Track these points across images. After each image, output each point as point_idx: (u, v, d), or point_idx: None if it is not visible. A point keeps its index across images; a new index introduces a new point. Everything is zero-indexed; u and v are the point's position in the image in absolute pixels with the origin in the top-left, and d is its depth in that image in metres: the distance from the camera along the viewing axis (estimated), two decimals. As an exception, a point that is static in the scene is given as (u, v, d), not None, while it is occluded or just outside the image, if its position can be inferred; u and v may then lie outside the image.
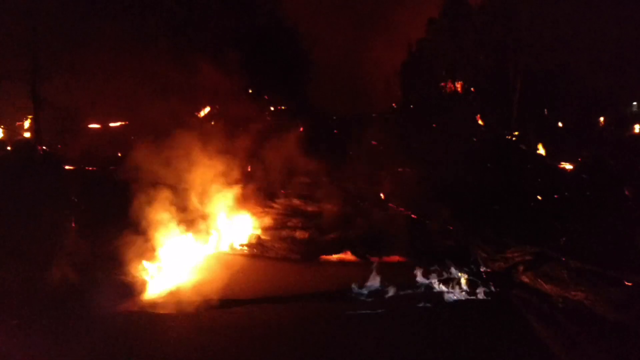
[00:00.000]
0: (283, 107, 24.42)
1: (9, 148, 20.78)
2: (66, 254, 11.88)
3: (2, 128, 26.66)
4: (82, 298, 10.62)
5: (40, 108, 21.84)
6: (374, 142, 21.03)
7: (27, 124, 27.59)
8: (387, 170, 18.54)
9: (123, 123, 24.70)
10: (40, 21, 21.60)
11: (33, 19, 21.47)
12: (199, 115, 23.87)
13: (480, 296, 11.87)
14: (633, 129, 24.54)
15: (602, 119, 25.58)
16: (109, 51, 23.25)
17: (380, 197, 17.67)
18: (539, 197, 17.60)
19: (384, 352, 8.65)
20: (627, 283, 11.33)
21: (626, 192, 16.69)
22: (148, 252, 12.78)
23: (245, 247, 15.06)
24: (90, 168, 18.47)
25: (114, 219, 13.23)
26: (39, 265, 11.15)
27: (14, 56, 23.59)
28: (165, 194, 13.81)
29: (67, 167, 18.16)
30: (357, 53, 25.22)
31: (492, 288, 12.37)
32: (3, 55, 24.01)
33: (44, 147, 19.82)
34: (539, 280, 12.28)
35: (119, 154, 21.24)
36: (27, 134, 26.94)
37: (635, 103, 25.27)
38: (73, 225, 13.55)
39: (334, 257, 14.65)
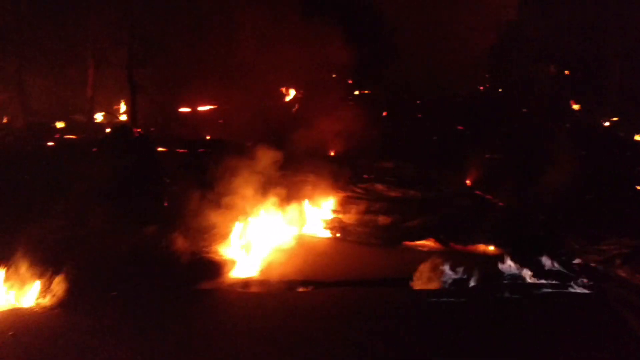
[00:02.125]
0: (366, 92, 24.32)
1: (107, 130, 22.05)
2: (159, 231, 12.49)
3: (102, 113, 28.44)
4: (174, 274, 11.09)
5: (136, 93, 23.08)
6: (460, 127, 20.52)
7: (123, 107, 29.22)
8: (474, 156, 18.03)
9: (211, 107, 25.57)
10: (136, 11, 22.73)
11: (130, 10, 22.64)
12: (284, 100, 24.29)
13: (572, 290, 11.32)
14: None
15: None
16: (197, 37, 24.08)
17: (466, 183, 17.25)
18: (638, 187, 16.56)
19: (464, 341, 8.45)
20: None
21: None
22: (236, 232, 13.18)
23: (329, 230, 15.20)
24: (180, 150, 19.25)
25: (203, 200, 13.73)
26: (132, 245, 11.67)
27: (111, 44, 25.05)
28: (254, 176, 14.17)
29: (159, 149, 19.02)
30: (443, 35, 24.56)
31: (585, 282, 11.77)
32: (102, 44, 25.54)
33: (139, 130, 20.86)
34: (638, 275, 11.58)
35: (208, 137, 22.06)
36: (123, 117, 28.56)
37: None
38: (166, 204, 14.23)
39: (417, 243, 14.50)
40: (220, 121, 24.14)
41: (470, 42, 24.80)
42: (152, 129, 23.12)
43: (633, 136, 22.19)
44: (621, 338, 8.92)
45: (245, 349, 8.02)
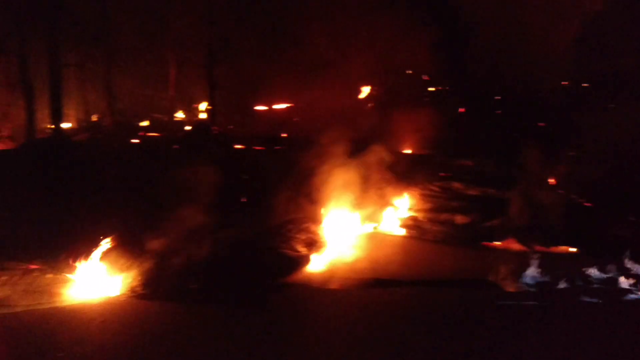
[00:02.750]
0: (443, 88, 23.83)
1: (188, 128, 22.92)
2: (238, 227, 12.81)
3: (182, 111, 29.52)
4: (251, 269, 11.33)
5: (215, 91, 23.78)
6: (542, 124, 19.71)
7: (202, 106, 30.18)
8: (557, 153, 17.25)
9: (287, 105, 25.91)
10: (216, 11, 23.41)
11: (210, 9, 23.34)
12: (359, 97, 24.22)
13: (666, 296, 10.63)
14: None
15: None
16: (275, 36, 24.47)
17: (550, 182, 16.54)
18: None
19: (546, 347, 8.08)
20: None
21: None
22: (312, 228, 13.31)
23: (404, 228, 15.06)
24: (257, 147, 19.64)
25: (279, 196, 13.94)
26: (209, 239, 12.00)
27: (192, 44, 25.92)
28: (332, 172, 14.26)
29: (236, 146, 19.50)
30: (524, 27, 23.62)
31: (680, 288, 11.01)
32: (183, 44, 26.50)
33: (217, 127, 21.50)
34: None
35: (283, 135, 22.38)
36: (202, 115, 29.51)
37: None
38: (243, 200, 14.57)
39: (496, 244, 14.09)
40: (295, 119, 24.42)
41: (553, 34, 23.72)
42: (230, 126, 23.74)
43: None
44: None
45: (322, 345, 8.07)
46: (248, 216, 13.58)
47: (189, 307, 9.73)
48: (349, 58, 21.76)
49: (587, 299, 10.22)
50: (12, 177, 13.93)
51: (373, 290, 11.01)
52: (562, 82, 24.79)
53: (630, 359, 7.80)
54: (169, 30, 26.58)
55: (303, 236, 12.98)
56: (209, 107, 26.06)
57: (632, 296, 10.64)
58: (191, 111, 30.68)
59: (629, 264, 11.97)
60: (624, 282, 11.20)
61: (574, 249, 13.52)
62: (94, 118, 30.90)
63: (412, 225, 15.04)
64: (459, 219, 14.65)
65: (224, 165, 15.22)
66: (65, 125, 24.43)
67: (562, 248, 13.62)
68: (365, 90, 24.36)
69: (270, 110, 26.83)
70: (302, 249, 12.65)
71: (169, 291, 10.31)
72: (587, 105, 20.98)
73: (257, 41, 25.25)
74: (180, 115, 30.27)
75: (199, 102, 30.68)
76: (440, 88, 22.97)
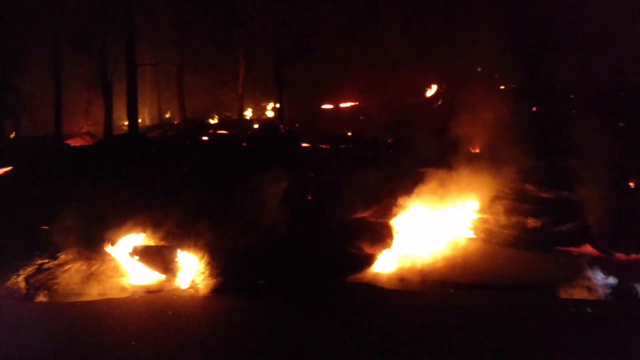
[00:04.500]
0: (514, 86, 23.04)
1: (256, 126, 23.33)
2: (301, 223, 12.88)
3: (251, 109, 30.18)
4: (317, 267, 11.39)
5: (282, 90, 24.10)
6: (621, 124, 18.68)
7: (270, 105, 30.71)
8: (636, 154, 16.32)
9: (353, 104, 25.90)
10: (286, 11, 23.71)
11: (280, 10, 23.68)
12: (425, 95, 23.88)
13: None
14: None
15: None
16: (342, 36, 24.52)
17: (630, 185, 15.68)
18: None
19: (614, 356, 7.70)
20: None
21: None
22: (379, 227, 13.24)
23: (473, 231, 14.71)
24: (323, 146, 19.74)
25: (345, 196, 13.94)
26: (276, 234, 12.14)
27: (261, 44, 26.40)
28: (400, 172, 14.16)
29: (303, 145, 19.66)
30: (598, 24, 22.48)
31: None
32: (252, 44, 27.05)
33: (285, 126, 21.77)
34: None
35: (349, 133, 22.38)
36: (270, 114, 30.02)
37: None
38: (310, 198, 14.63)
39: (571, 248, 13.51)
40: (361, 118, 24.38)
41: (630, 31, 22.50)
42: (297, 124, 23.99)
43: None
44: None
45: (386, 346, 8.03)
46: (315, 214, 13.63)
47: (257, 303, 9.92)
48: (416, 57, 21.48)
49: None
50: (88, 171, 14.56)
51: (438, 293, 10.87)
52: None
53: None
54: (240, 30, 27.20)
55: (370, 235, 12.91)
56: (276, 106, 26.45)
57: None
58: (260, 109, 31.31)
59: None
60: None
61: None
62: (167, 115, 32.11)
63: (481, 228, 14.66)
64: (531, 222, 14.13)
65: (290, 163, 15.41)
66: (139, 122, 25.44)
67: (644, 255, 12.88)
68: (433, 89, 23.98)
69: (337, 108, 26.90)
70: (370, 248, 12.59)
71: (236, 287, 10.55)
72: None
73: (326, 41, 25.41)
74: (249, 113, 30.92)
75: (268, 101, 31.26)
76: (511, 86, 22.23)
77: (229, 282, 10.68)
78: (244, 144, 18.57)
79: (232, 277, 10.80)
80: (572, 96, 21.92)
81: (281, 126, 20.90)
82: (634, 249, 12.94)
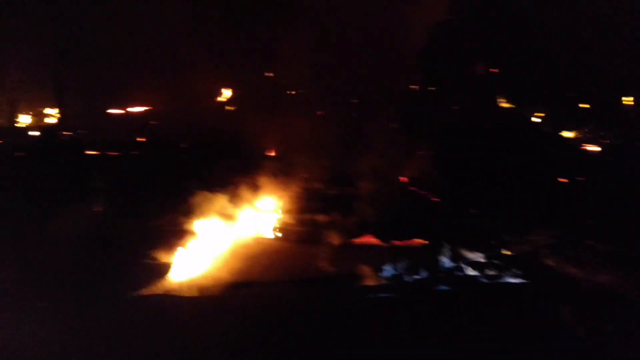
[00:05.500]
0: (300, 91, 24.24)
1: (36, 133, 21.07)
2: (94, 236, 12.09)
3: (30, 115, 27.09)
4: (108, 281, 10.74)
5: (63, 93, 22.13)
6: (394, 125, 20.83)
7: (50, 110, 27.93)
8: (409, 153, 18.37)
9: (144, 108, 24.81)
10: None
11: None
12: (218, 99, 23.87)
13: (503, 280, 11.79)
14: (659, 109, 23.98)
15: (626, 99, 25.03)
16: (129, 35, 23.35)
17: (403, 180, 17.58)
18: (564, 180, 17.37)
19: (402, 335, 8.60)
20: (655, 266, 11.19)
21: (653, 174, 16.40)
22: (175, 235, 12.90)
23: (269, 231, 15.12)
24: (112, 153, 18.64)
25: (138, 204, 13.38)
26: (67, 250, 11.27)
27: (36, 43, 23.89)
28: (188, 177, 13.90)
29: (89, 152, 18.36)
30: (379, 36, 24.80)
31: (517, 272, 12.28)
32: (26, 43, 24.34)
33: (67, 133, 20.06)
34: (565, 263, 12.19)
35: (141, 139, 21.43)
36: (51, 120, 27.30)
37: (660, 82, 24.64)
38: (98, 209, 13.75)
39: (357, 240, 14.64)
40: (154, 122, 23.48)
41: (402, 41, 25.19)
42: (80, 131, 22.18)
43: (559, 131, 23.27)
44: (550, 324, 9.36)
45: (185, 354, 7.88)
46: (103, 224, 12.83)
47: (38, 327, 8.96)
48: (207, 61, 21.40)
49: (438, 288, 11.02)
50: None
51: (239, 295, 10.95)
52: (412, 87, 26.44)
53: (479, 340, 8.54)
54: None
55: (167, 244, 12.52)
56: (57, 111, 24.21)
57: (478, 282, 11.68)
58: (37, 115, 28.29)
59: (475, 253, 13.09)
60: (468, 269, 12.24)
61: (427, 242, 14.40)
62: None
63: (278, 227, 15.16)
64: (321, 218, 14.98)
65: (72, 171, 14.30)
66: None
67: (416, 241, 14.46)
68: (226, 93, 24.09)
69: (127, 113, 25.53)
70: (166, 257, 12.21)
71: (13, 311, 9.40)
72: (434, 108, 22.57)
73: (112, 41, 23.93)
74: (25, 119, 27.75)
75: (47, 105, 28.39)
76: (300, 91, 23.35)
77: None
78: (19, 154, 16.73)
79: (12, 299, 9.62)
80: (355, 101, 23.79)
81: (63, 133, 19.22)
82: (407, 237, 14.45)
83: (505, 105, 24.70)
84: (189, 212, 13.58)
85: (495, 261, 12.66)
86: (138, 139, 21.09)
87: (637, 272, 11.18)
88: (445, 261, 12.57)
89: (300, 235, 14.79)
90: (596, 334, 9.44)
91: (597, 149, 20.89)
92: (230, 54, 21.94)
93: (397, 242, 14.40)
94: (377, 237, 14.63)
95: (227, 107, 23.42)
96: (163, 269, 11.78)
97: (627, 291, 10.74)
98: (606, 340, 9.19)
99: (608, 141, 20.94)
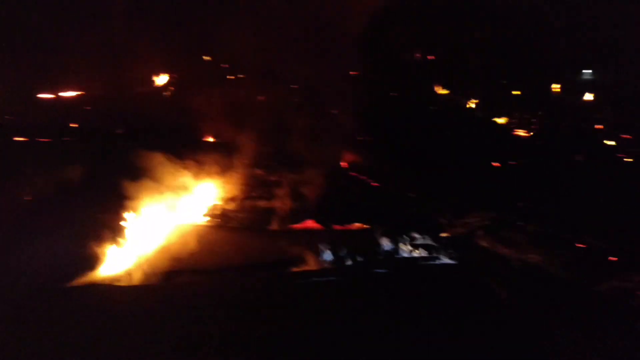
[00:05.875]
0: (240, 76, 23.89)
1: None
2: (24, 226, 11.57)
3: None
4: (40, 271, 10.34)
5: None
6: (334, 111, 20.92)
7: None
8: (349, 139, 18.55)
9: (78, 93, 23.80)
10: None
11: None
12: (154, 83, 23.22)
13: (440, 261, 12.14)
14: (586, 95, 25.20)
15: (555, 86, 26.14)
16: (62, 18, 22.31)
17: (343, 166, 17.74)
18: (497, 164, 18.01)
19: (342, 317, 8.72)
20: (578, 245, 11.83)
21: (578, 158, 17.27)
22: (113, 224, 12.48)
23: (209, 218, 14.91)
24: (42, 139, 17.83)
25: (73, 192, 12.89)
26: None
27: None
28: (125, 164, 13.44)
29: (17, 139, 17.52)
30: (320, 23, 24.72)
31: (453, 253, 12.67)
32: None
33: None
34: (497, 244, 12.68)
35: (73, 125, 20.61)
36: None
37: (584, 71, 25.88)
38: (30, 198, 13.13)
39: (298, 225, 14.66)
40: (87, 108, 22.55)
41: (342, 30, 25.24)
42: (7, 117, 21.03)
43: (492, 117, 24.05)
44: (485, 303, 9.74)
45: (118, 342, 7.72)
46: (33, 213, 12.29)
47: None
48: (144, 45, 20.72)
49: (377, 270, 11.23)
50: None
51: (178, 283, 10.76)
52: (352, 72, 26.58)
53: (414, 318, 8.77)
54: None
55: (105, 233, 12.10)
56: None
57: (416, 263, 11.97)
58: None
59: (412, 235, 13.40)
60: (406, 251, 12.53)
61: (366, 226, 14.59)
62: None
63: (219, 214, 14.93)
64: (262, 204, 14.91)
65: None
66: None
67: (356, 225, 14.61)
68: (163, 78, 23.46)
69: (59, 98, 24.36)
70: (105, 247, 11.81)
71: None
72: (373, 94, 22.82)
73: (40, 24, 22.73)
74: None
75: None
76: (239, 76, 23.03)
77: None
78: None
79: None
80: (295, 87, 23.68)
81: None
82: (347, 221, 14.60)
83: (441, 92, 25.34)
84: (125, 200, 13.13)
85: (432, 243, 13.02)
86: (70, 125, 20.26)
87: (563, 251, 11.78)
88: (384, 244, 12.78)
89: (240, 221, 14.64)
90: (526, 308, 9.94)
91: (525, 134, 21.76)
92: (167, 38, 21.38)
93: (337, 227, 14.51)
94: (317, 221, 14.69)
95: (165, 93, 22.84)
96: (98, 259, 11.38)
97: (554, 268, 11.33)
98: (536, 313, 9.68)
99: (536, 127, 21.83)
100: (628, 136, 20.93)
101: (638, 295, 9.75)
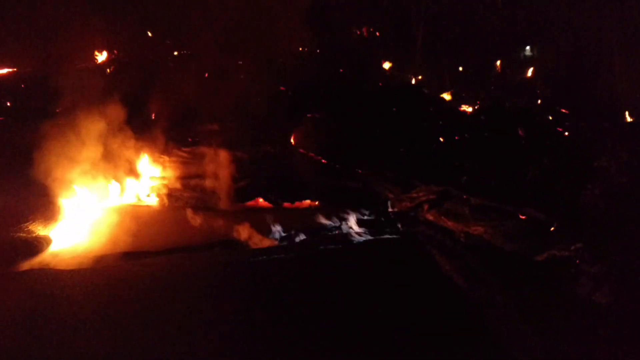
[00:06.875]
0: (184, 52, 23.37)
1: None
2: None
3: None
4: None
5: None
6: (282, 88, 20.84)
7: None
8: (297, 115, 18.51)
9: (9, 70, 22.70)
10: None
11: None
12: (96, 61, 22.43)
13: (388, 236, 12.36)
14: (526, 72, 25.96)
15: (498, 63, 26.81)
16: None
17: (291, 142, 17.71)
18: (442, 139, 18.37)
19: (289, 296, 8.75)
20: (521, 217, 12.23)
21: (520, 133, 17.81)
22: (49, 207, 12.04)
23: (153, 198, 14.63)
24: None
25: (5, 174, 12.35)
26: None
27: None
28: (63, 145, 12.92)
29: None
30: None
31: (399, 227, 12.93)
32: None
33: None
34: (443, 217, 13.00)
35: (8, 104, 19.75)
36: None
37: (528, 47, 26.62)
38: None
39: (246, 204, 14.60)
40: (22, 85, 21.54)
41: (288, 4, 24.96)
42: None
43: (438, 93, 24.52)
44: (430, 275, 9.97)
45: (69, 331, 7.50)
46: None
47: None
48: (81, 18, 19.87)
49: (325, 247, 11.32)
50: None
51: (123, 265, 10.47)
52: (300, 49, 26.44)
53: (360, 294, 8.89)
54: None
55: (41, 216, 11.70)
56: None
57: (363, 239, 12.13)
58: None
59: (359, 211, 13.58)
60: (354, 227, 12.70)
61: (315, 203, 14.69)
62: None
63: (163, 194, 14.67)
64: (209, 183, 14.71)
65: None
66: None
67: (306, 202, 14.70)
68: (103, 54, 22.65)
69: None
70: (41, 230, 11.42)
71: None
72: (321, 71, 22.82)
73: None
74: None
75: None
76: (183, 52, 22.53)
77: None
78: None
79: None
80: (240, 62, 23.34)
81: None
82: (296, 198, 14.66)
83: (387, 67, 25.56)
84: (64, 181, 12.69)
85: (379, 218, 13.24)
86: (2, 104, 19.38)
87: (505, 222, 12.17)
88: (333, 221, 12.91)
89: (187, 200, 14.44)
90: (471, 280, 10.25)
91: (470, 109, 22.26)
92: (108, 11, 20.57)
93: (286, 204, 14.55)
94: (266, 200, 14.68)
95: (107, 69, 22.08)
96: (39, 243, 11.00)
97: (497, 239, 11.71)
98: (481, 285, 9.99)
99: (479, 102, 22.38)
100: (565, 110, 21.76)
101: (576, 263, 10.17)
